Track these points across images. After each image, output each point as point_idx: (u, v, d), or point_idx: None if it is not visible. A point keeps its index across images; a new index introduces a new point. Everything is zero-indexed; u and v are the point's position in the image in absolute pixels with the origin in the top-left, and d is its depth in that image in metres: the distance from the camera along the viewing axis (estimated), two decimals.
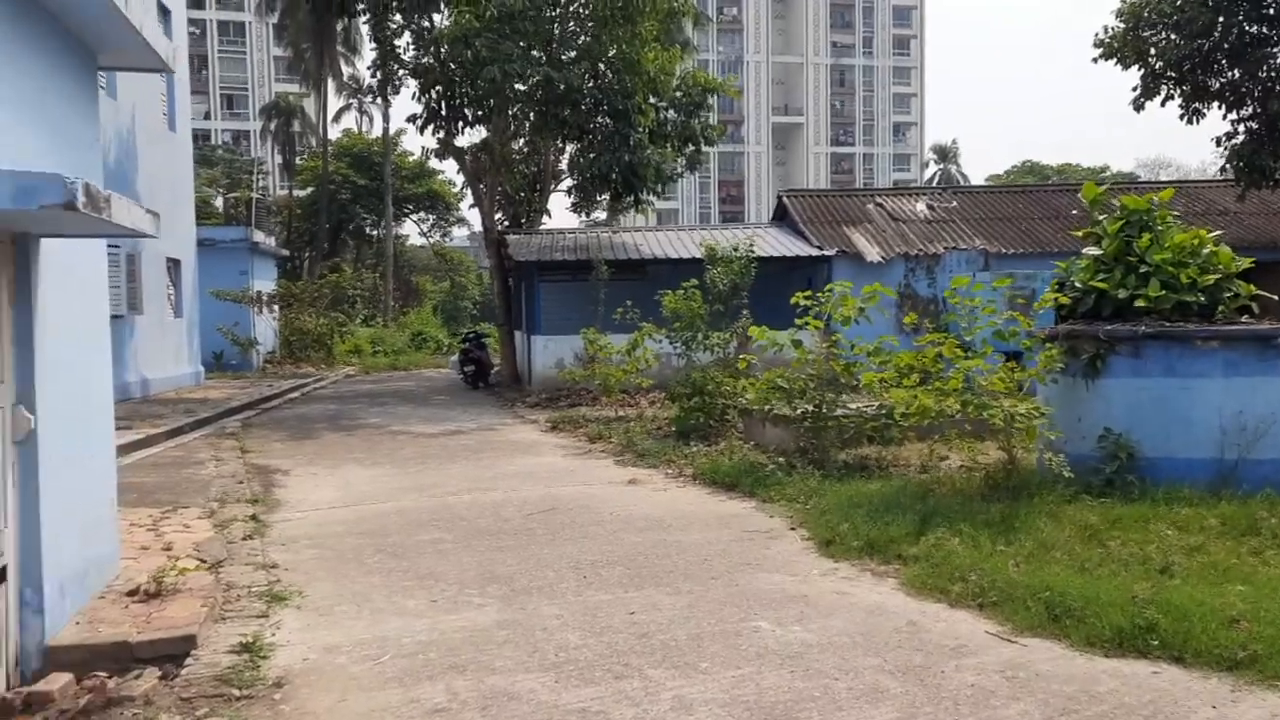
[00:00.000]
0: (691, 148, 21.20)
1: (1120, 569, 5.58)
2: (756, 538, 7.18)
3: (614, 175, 19.33)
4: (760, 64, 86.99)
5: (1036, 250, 20.47)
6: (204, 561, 6.11)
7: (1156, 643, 4.55)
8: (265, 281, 28.38)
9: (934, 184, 62.10)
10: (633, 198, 20.69)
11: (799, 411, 9.77)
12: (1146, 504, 6.88)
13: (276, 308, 27.98)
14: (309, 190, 49.91)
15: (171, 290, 20.19)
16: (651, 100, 19.33)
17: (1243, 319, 8.19)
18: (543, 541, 7.05)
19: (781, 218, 24.00)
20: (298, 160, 52.96)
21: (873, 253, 20.74)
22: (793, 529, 7.43)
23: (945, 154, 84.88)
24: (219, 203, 46.41)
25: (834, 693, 4.20)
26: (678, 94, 20.03)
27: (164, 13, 19.55)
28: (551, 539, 7.13)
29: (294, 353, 27.88)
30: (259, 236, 28.52)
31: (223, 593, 5.52)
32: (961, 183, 65.97)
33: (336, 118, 53.12)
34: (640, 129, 19.00)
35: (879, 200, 24.23)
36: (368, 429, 14.12)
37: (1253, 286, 8.25)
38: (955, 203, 24.03)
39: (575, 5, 18.79)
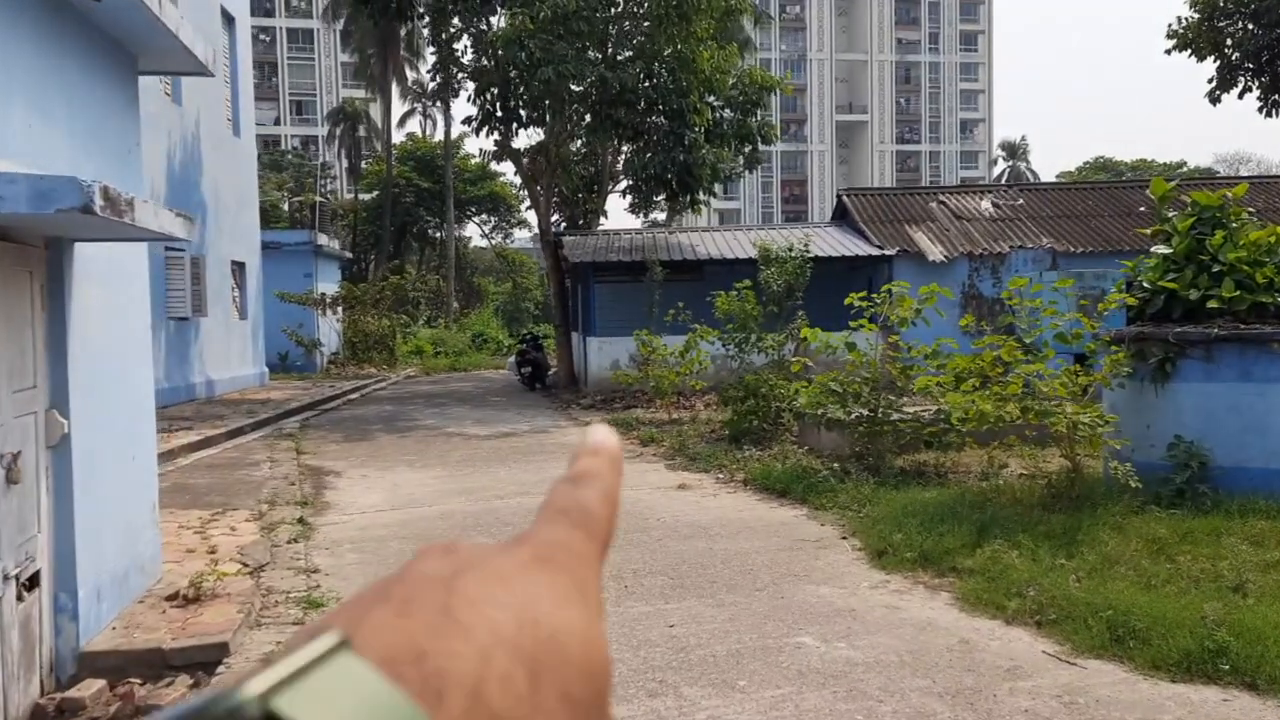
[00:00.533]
0: (749, 147, 20.97)
1: (1190, 586, 5.27)
2: (806, 547, 6.97)
3: (669, 175, 19.21)
4: (824, 61, 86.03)
5: (1107, 249, 19.76)
6: (246, 565, 6.14)
7: (1227, 667, 4.26)
8: (329, 284, 28.87)
9: (1002, 181, 60.69)
10: (689, 198, 20.55)
11: (853, 416, 9.52)
12: (1220, 516, 6.52)
13: (340, 309, 28.43)
14: (374, 194, 50.76)
15: (236, 292, 20.62)
16: (708, 99, 19.14)
17: None
18: None
19: (842, 217, 23.59)
20: (363, 164, 53.91)
21: (935, 252, 20.24)
22: (844, 538, 7.21)
23: (1014, 151, 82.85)
24: (286, 206, 47.46)
25: (878, 716, 4.00)
26: (734, 92, 19.80)
27: (228, 20, 19.97)
28: None
29: (357, 354, 28.29)
30: (323, 239, 29.02)
31: (261, 598, 5.52)
32: (1031, 180, 64.36)
33: (401, 122, 53.92)
34: (696, 128, 18.84)
35: (942, 198, 23.66)
36: (422, 430, 14.21)
37: None
38: (1022, 200, 23.35)
39: (630, 4, 18.71)
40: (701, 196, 20.92)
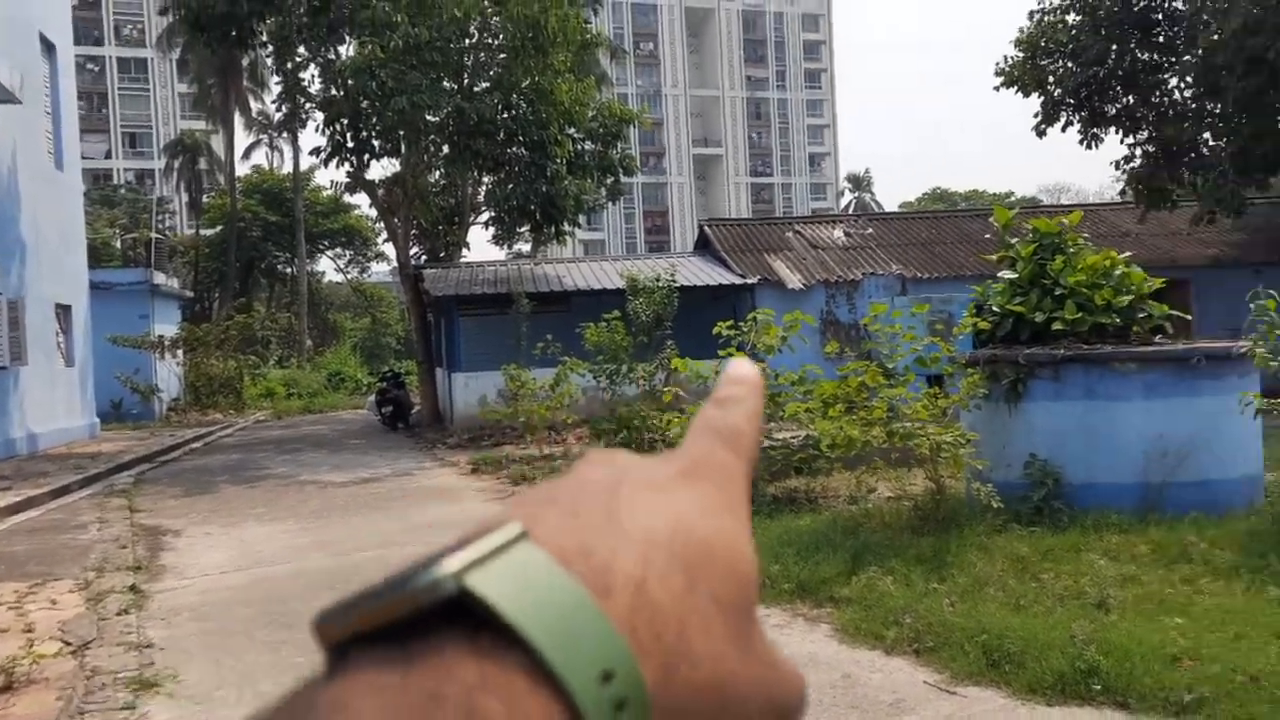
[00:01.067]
0: (611, 178, 21.05)
1: (1056, 605, 5.36)
2: None
3: (532, 206, 19.03)
4: (678, 97, 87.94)
5: (951, 274, 20.70)
6: (68, 644, 5.49)
7: (1099, 687, 4.30)
8: (168, 325, 27.15)
9: (850, 211, 63.27)
10: (553, 229, 20.41)
11: None
12: (1076, 532, 6.73)
13: (180, 352, 26.78)
14: (218, 229, 48.36)
15: (61, 337, 19.07)
16: (568, 131, 19.11)
17: (1157, 339, 8.19)
18: None
19: (704, 247, 23.92)
20: (205, 198, 51.33)
21: (794, 280, 20.74)
22: None
23: (859, 183, 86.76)
24: (119, 244, 44.63)
25: None
26: (594, 124, 19.83)
27: (48, 47, 18.62)
28: None
29: (200, 399, 26.68)
30: (160, 278, 27.31)
31: (85, 681, 4.92)
32: (876, 210, 67.32)
33: (246, 154, 51.76)
34: (557, 160, 18.75)
35: (797, 228, 24.34)
36: (272, 480, 13.38)
37: (1166, 306, 8.26)
38: (871, 229, 24.27)
39: (485, 36, 18.48)
40: (566, 227, 20.81)
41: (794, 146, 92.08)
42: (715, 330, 9.84)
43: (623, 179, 21.63)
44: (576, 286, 20.37)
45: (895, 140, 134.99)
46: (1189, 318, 9.02)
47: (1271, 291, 6.89)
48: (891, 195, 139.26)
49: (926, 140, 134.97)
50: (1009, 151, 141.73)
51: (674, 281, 15.78)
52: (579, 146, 19.68)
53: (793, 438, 9.61)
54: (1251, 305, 6.87)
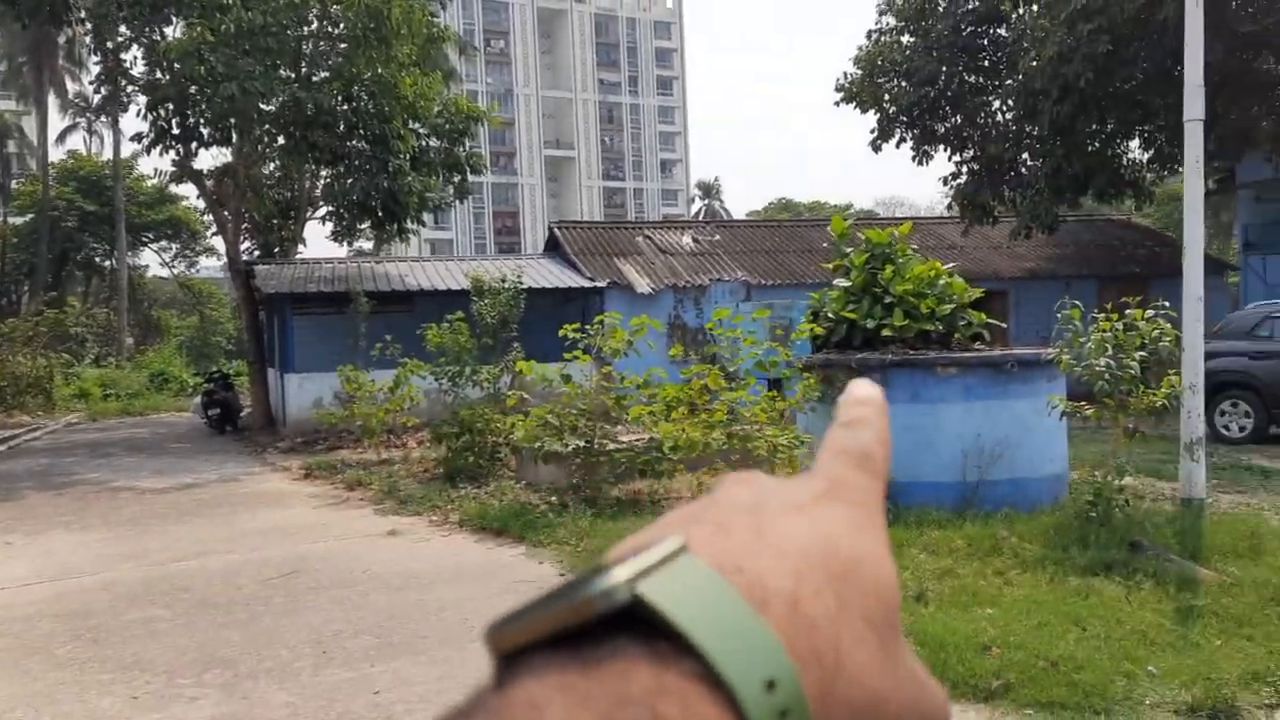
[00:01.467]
0: (458, 176, 20.69)
1: None
2: (524, 588, 6.73)
3: (374, 203, 18.45)
4: (530, 97, 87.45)
5: (793, 282, 21.42)
6: None
7: None
8: None
9: (700, 218, 64.53)
10: (396, 226, 19.87)
11: (570, 447, 9.46)
12: (900, 528, 7.03)
13: None
14: (28, 217, 44.61)
15: None
16: (412, 126, 18.66)
17: (976, 345, 8.71)
18: (280, 611, 6.25)
19: (554, 249, 23.85)
20: (14, 184, 47.28)
21: (643, 284, 20.95)
22: (562, 575, 7.05)
23: (709, 190, 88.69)
24: None
25: None
26: (440, 121, 19.43)
27: None
28: (291, 607, 6.34)
29: (5, 400, 24.54)
30: None
31: None
32: (725, 217, 68.99)
33: (60, 138, 47.97)
34: (401, 155, 18.27)
35: (647, 233, 24.62)
36: (83, 486, 12.42)
37: (984, 315, 8.79)
38: (718, 236, 24.83)
39: (325, 24, 17.79)
40: (410, 225, 20.29)
41: (646, 152, 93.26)
42: (561, 333, 9.80)
43: (470, 178, 21.30)
44: (420, 287, 19.89)
45: (746, 150, 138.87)
46: (1005, 326, 9.63)
47: (1076, 302, 7.42)
48: (741, 203, 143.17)
49: (775, 151, 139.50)
50: (852, 165, 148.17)
51: (520, 283, 15.65)
52: (424, 142, 19.25)
53: (637, 440, 9.69)
54: (1058, 315, 7.38)
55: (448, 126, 19.51)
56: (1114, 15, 16.01)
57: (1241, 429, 13.47)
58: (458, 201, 24.10)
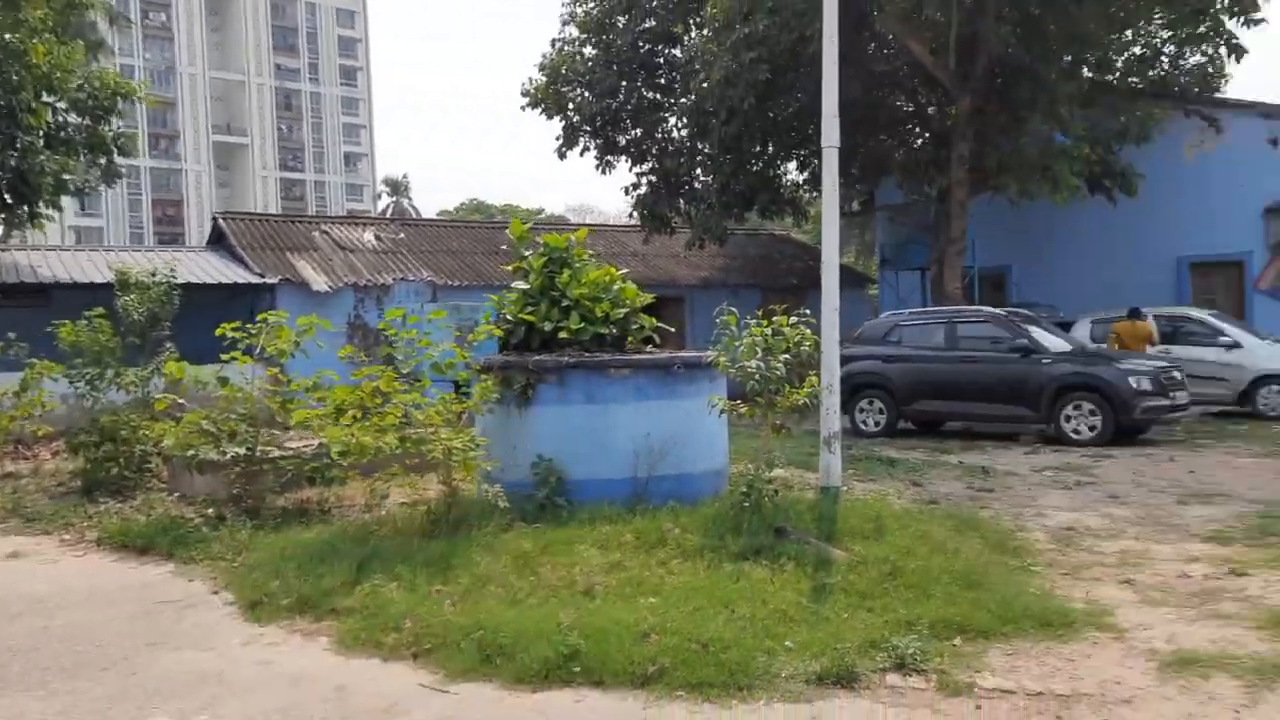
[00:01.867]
0: (104, 158, 18.55)
1: (550, 596, 5.67)
2: (169, 609, 6.13)
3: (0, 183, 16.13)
4: (196, 77, 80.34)
5: (480, 283, 21.36)
6: None
7: (579, 669, 4.61)
8: None
9: (387, 215, 62.60)
10: (26, 210, 17.43)
11: (229, 455, 8.75)
12: (574, 526, 7.19)
13: None
14: None
15: None
16: (47, 99, 16.48)
17: (648, 349, 9.15)
18: None
19: (219, 241, 22.05)
20: None
21: (320, 281, 19.93)
22: (215, 593, 6.50)
23: (397, 187, 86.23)
24: None
25: None
26: (81, 95, 17.30)
27: None
28: None
29: None
30: None
31: None
32: (414, 215, 67.46)
33: None
34: (33, 131, 16.09)
35: (325, 228, 23.48)
36: None
37: (655, 319, 9.25)
38: (404, 235, 24.22)
39: None
40: (44, 210, 17.89)
41: (328, 144, 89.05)
42: (219, 332, 9.04)
43: (120, 160, 19.20)
44: (57, 279, 17.65)
45: (439, 149, 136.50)
46: (672, 330, 10.19)
47: (732, 308, 8.00)
48: (432, 202, 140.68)
49: (471, 153, 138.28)
50: (547, 170, 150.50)
51: (174, 277, 14.29)
52: (61, 118, 17.09)
53: (305, 446, 9.17)
54: (718, 320, 7.92)
55: (90, 102, 17.44)
56: (773, 46, 17.55)
57: (877, 424, 15.29)
58: (105, 186, 21.57)
